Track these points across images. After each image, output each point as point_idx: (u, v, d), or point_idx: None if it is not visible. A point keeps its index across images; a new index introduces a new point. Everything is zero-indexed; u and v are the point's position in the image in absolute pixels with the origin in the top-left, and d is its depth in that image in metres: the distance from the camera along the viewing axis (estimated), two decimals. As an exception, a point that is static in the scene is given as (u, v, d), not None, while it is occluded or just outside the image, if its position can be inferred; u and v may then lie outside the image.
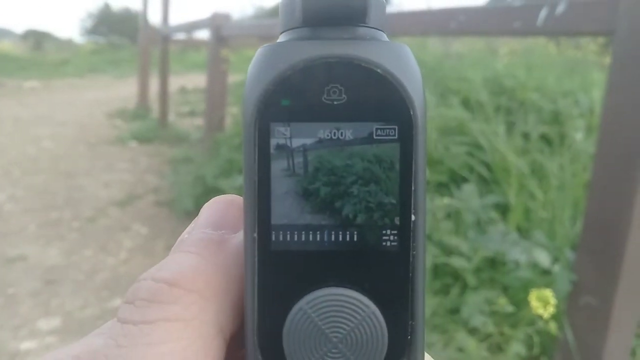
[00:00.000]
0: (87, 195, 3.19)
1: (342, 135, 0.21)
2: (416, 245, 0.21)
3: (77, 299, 1.96)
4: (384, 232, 0.21)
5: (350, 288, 0.21)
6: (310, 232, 0.21)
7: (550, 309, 0.98)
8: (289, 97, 0.21)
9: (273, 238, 0.21)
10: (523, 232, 1.66)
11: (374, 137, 0.21)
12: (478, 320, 1.24)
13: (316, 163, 0.21)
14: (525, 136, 2.05)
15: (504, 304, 1.13)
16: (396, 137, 0.21)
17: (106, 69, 12.72)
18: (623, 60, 1.15)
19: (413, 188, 0.21)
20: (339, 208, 0.21)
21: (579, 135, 2.07)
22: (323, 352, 0.21)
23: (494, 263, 1.48)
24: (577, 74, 2.99)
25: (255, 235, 0.21)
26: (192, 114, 6.09)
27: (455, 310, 1.36)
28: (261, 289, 0.21)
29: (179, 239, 0.23)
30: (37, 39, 22.86)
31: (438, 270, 1.46)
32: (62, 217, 2.81)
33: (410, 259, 0.21)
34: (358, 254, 0.21)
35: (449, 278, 1.46)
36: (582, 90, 2.53)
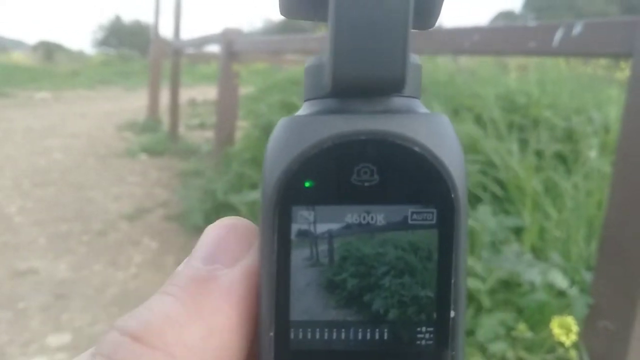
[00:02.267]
0: (97, 209, 3.20)
1: (372, 220, 0.18)
2: (455, 345, 0.19)
3: (87, 314, 1.96)
4: (419, 329, 0.19)
5: None
6: (335, 330, 0.19)
7: (573, 337, 0.96)
8: (314, 178, 0.18)
9: (292, 336, 0.19)
10: (537, 252, 1.64)
11: (409, 222, 0.18)
12: (497, 347, 1.22)
13: (343, 251, 0.18)
14: (539, 154, 2.03)
15: (523, 331, 1.11)
16: (434, 222, 0.18)
17: (117, 81, 12.84)
18: (641, 82, 1.14)
19: (453, 280, 0.18)
20: (368, 302, 0.19)
21: (593, 153, 2.06)
22: None
23: (508, 284, 1.46)
24: (588, 90, 2.97)
25: (272, 334, 0.18)
26: (202, 126, 6.12)
27: (470, 333, 1.34)
28: None
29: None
30: (48, 50, 23.12)
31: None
32: (72, 230, 2.81)
33: None
34: (389, 354, 0.19)
35: (463, 299, 1.44)
36: (595, 107, 2.52)
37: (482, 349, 1.27)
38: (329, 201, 0.18)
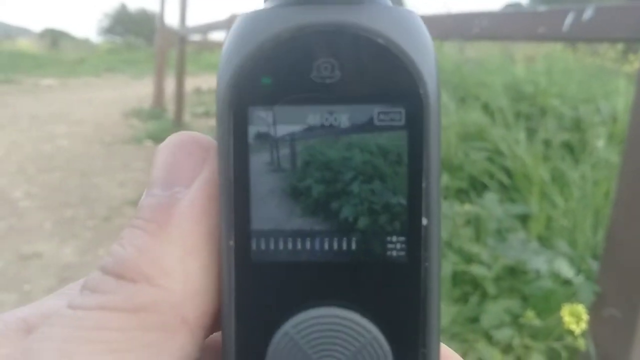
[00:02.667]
0: (102, 194, 3.20)
1: (336, 121, 0.17)
2: (429, 256, 0.17)
3: (92, 297, 1.97)
4: (389, 239, 0.17)
5: (348, 308, 0.17)
6: (300, 240, 0.17)
7: (583, 325, 0.95)
8: (271, 75, 0.17)
9: (254, 247, 0.17)
10: (544, 241, 1.63)
11: (376, 123, 0.17)
12: (504, 334, 1.22)
13: (306, 156, 0.17)
14: (546, 143, 2.02)
15: (531, 318, 1.10)
16: (403, 122, 0.17)
17: (122, 69, 12.83)
18: (653, 68, 1.12)
19: (424, 185, 0.17)
20: (336, 210, 0.17)
21: (600, 143, 2.04)
22: None
23: (514, 272, 1.45)
24: (596, 81, 2.95)
25: (232, 243, 0.17)
26: (206, 114, 6.12)
27: (474, 319, 1.34)
28: (240, 308, 0.17)
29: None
30: (54, 37, 23.15)
31: (457, 278, 1.44)
32: (77, 216, 2.82)
33: (422, 273, 0.17)
34: (358, 266, 0.17)
35: (469, 286, 1.44)
36: (603, 97, 2.50)
37: (487, 336, 1.26)
38: (289, 101, 0.17)
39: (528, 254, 1.42)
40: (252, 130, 0.17)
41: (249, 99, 0.17)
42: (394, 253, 0.17)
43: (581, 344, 1.05)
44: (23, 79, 9.71)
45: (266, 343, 0.17)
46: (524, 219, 1.71)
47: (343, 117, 0.17)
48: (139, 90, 8.56)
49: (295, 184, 0.17)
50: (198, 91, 7.86)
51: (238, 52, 0.17)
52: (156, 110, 6.26)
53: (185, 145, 0.19)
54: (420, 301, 0.17)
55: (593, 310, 1.21)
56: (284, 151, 0.17)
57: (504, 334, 1.22)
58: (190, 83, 6.49)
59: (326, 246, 0.17)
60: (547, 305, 1.34)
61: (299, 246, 0.17)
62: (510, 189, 1.86)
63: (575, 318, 1.00)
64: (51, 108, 6.45)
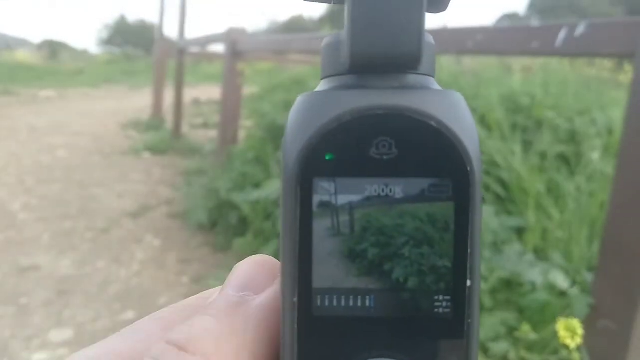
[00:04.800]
0: (100, 206, 3.21)
1: (391, 192, 0.19)
2: (471, 313, 0.19)
3: (89, 310, 1.96)
4: (437, 298, 0.19)
5: (399, 358, 0.19)
6: (356, 297, 0.19)
7: (578, 340, 0.96)
8: (335, 151, 0.19)
9: (315, 303, 0.19)
10: (539, 252, 1.64)
11: (427, 194, 0.19)
12: (500, 347, 1.22)
13: (364, 222, 0.19)
14: (542, 155, 2.03)
15: (527, 332, 1.11)
16: (451, 194, 0.19)
17: (121, 80, 12.87)
18: (644, 83, 1.14)
19: (469, 251, 0.19)
20: (389, 271, 0.19)
21: (595, 155, 2.06)
22: None
23: (509, 284, 1.46)
24: (592, 92, 2.97)
25: (296, 300, 0.19)
26: (205, 125, 6.13)
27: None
28: (301, 358, 0.19)
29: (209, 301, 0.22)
30: (53, 48, 23.20)
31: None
32: (76, 227, 2.82)
33: (465, 328, 0.19)
34: (408, 321, 0.19)
35: (465, 298, 1.45)
36: (598, 109, 2.51)
37: (484, 349, 1.27)
38: (349, 173, 0.19)
39: (524, 266, 1.43)
40: (316, 199, 0.19)
41: (314, 172, 0.19)
42: (441, 310, 0.19)
43: (576, 357, 1.06)
44: (21, 91, 9.73)
45: None
46: (519, 231, 1.72)
47: (397, 188, 0.19)
48: (137, 101, 8.59)
49: (353, 247, 0.19)
50: (197, 102, 7.89)
51: (304, 132, 0.19)
52: (155, 121, 6.28)
53: (261, 263, 0.23)
54: (464, 352, 0.19)
55: (588, 322, 1.22)
56: (344, 218, 0.19)
57: (500, 347, 1.23)
58: (188, 94, 6.51)
59: (380, 303, 0.19)
60: (543, 317, 1.35)
61: (355, 303, 0.19)
62: (506, 201, 1.87)
63: (570, 333, 1.00)
64: (50, 119, 6.47)
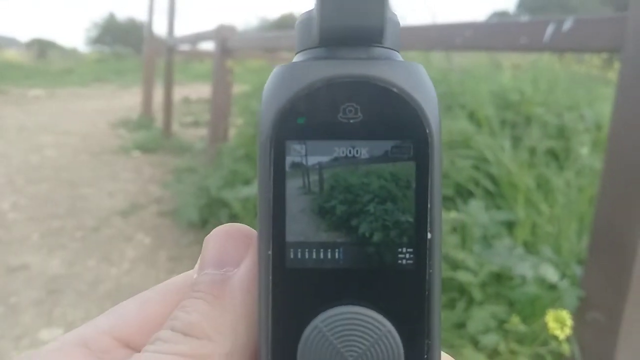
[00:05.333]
0: (90, 205, 3.19)
1: (357, 154, 0.21)
2: (432, 264, 0.21)
3: (79, 309, 1.95)
4: (400, 250, 0.21)
5: (366, 306, 0.21)
6: (326, 250, 0.21)
7: (567, 331, 0.97)
8: (305, 115, 0.21)
9: (288, 256, 0.21)
10: (529, 247, 1.65)
11: (390, 155, 0.21)
12: (490, 340, 1.23)
13: (332, 181, 0.21)
14: (531, 150, 2.04)
15: (516, 323, 1.12)
16: (412, 155, 0.21)
17: (110, 79, 12.79)
18: (631, 77, 1.15)
19: (429, 206, 0.21)
20: (355, 226, 0.21)
21: (584, 150, 2.07)
22: None
23: (500, 278, 1.47)
24: (581, 89, 2.99)
25: (270, 252, 0.21)
26: (195, 124, 6.11)
27: (461, 325, 1.35)
28: (275, 307, 0.21)
29: (193, 280, 0.24)
30: (41, 47, 23.02)
31: (444, 285, 1.45)
32: (65, 226, 2.81)
33: (427, 277, 0.21)
34: (374, 272, 0.21)
35: (455, 292, 1.45)
36: (587, 105, 2.53)
37: (474, 341, 1.28)
38: (319, 136, 0.21)
39: (513, 260, 1.43)
40: (289, 160, 0.21)
41: (287, 135, 0.21)
42: (404, 261, 0.21)
43: (565, 348, 1.07)
44: (10, 90, 9.64)
45: (298, 336, 0.21)
46: (509, 225, 1.73)
47: (363, 150, 0.21)
48: (127, 100, 8.54)
49: (322, 204, 0.21)
50: (186, 101, 7.86)
51: (278, 98, 0.21)
52: (145, 120, 6.25)
53: (232, 234, 0.24)
54: (425, 300, 0.21)
55: (577, 314, 1.23)
56: (314, 177, 0.21)
57: (490, 339, 1.24)
58: (178, 93, 6.48)
59: (348, 256, 0.21)
60: (533, 310, 1.35)
61: (325, 255, 0.21)
62: (496, 196, 1.88)
63: (559, 324, 1.02)
64: (39, 119, 6.42)
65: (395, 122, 0.21)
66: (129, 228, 2.82)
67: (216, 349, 0.21)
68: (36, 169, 4.00)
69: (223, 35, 3.50)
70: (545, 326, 1.09)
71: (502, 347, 1.22)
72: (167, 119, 5.46)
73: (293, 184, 0.21)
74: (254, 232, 0.24)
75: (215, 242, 0.24)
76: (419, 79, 0.21)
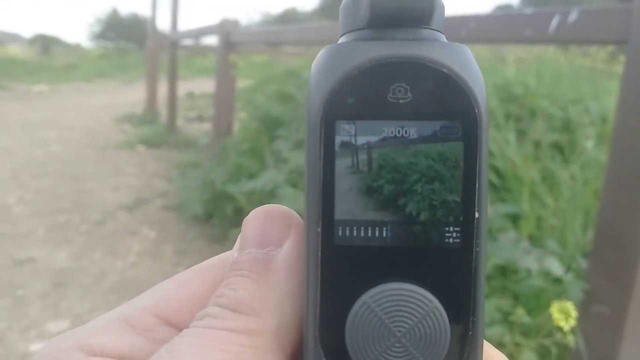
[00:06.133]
0: (95, 199, 3.20)
1: (406, 134, 0.21)
2: (479, 242, 0.21)
3: (85, 302, 1.97)
4: (447, 229, 0.21)
5: (413, 283, 0.21)
6: (374, 228, 0.21)
7: (572, 322, 0.97)
8: (355, 96, 0.21)
9: (337, 233, 0.21)
10: (534, 240, 1.65)
11: (439, 135, 0.21)
12: (495, 331, 1.23)
13: (380, 161, 0.21)
14: (536, 144, 2.04)
15: (521, 315, 1.12)
16: (460, 135, 0.21)
17: (114, 74, 12.80)
18: (636, 70, 1.14)
19: (477, 186, 0.21)
20: (403, 205, 0.21)
21: (589, 144, 2.07)
22: (386, 346, 0.21)
23: (505, 271, 1.47)
24: (587, 82, 2.98)
25: (319, 230, 0.21)
26: (199, 119, 6.12)
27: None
28: (324, 282, 0.21)
29: (233, 259, 0.24)
30: (45, 43, 23.04)
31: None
32: (71, 221, 2.82)
33: (473, 256, 0.21)
34: (421, 250, 0.21)
35: (460, 285, 1.45)
36: (592, 98, 2.52)
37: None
38: (368, 116, 0.21)
39: (519, 253, 1.43)
40: (338, 139, 0.21)
41: (337, 115, 0.21)
42: (451, 240, 0.21)
43: (570, 340, 1.07)
44: (14, 86, 9.67)
45: (346, 311, 0.21)
46: (514, 218, 1.73)
47: (412, 130, 0.21)
48: (131, 95, 8.55)
49: (370, 183, 0.21)
50: (191, 95, 7.86)
51: (328, 78, 0.21)
52: (149, 115, 6.26)
53: (272, 214, 0.24)
54: (472, 278, 0.21)
55: (582, 307, 1.23)
56: (363, 157, 0.21)
57: (494, 331, 1.24)
58: (182, 87, 6.49)
59: (395, 234, 0.21)
60: (538, 303, 1.36)
61: (373, 233, 0.21)
62: (501, 189, 1.87)
63: (564, 315, 1.02)
64: (43, 114, 6.43)
65: (445, 102, 0.21)
66: (134, 222, 2.83)
67: (265, 326, 0.22)
68: (41, 164, 4.01)
69: (226, 30, 3.50)
70: (550, 318, 1.09)
71: (507, 339, 1.22)
72: (171, 114, 5.46)
73: (342, 163, 0.21)
74: (294, 213, 0.24)
75: (256, 223, 0.24)
76: (467, 60, 0.21)
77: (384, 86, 0.21)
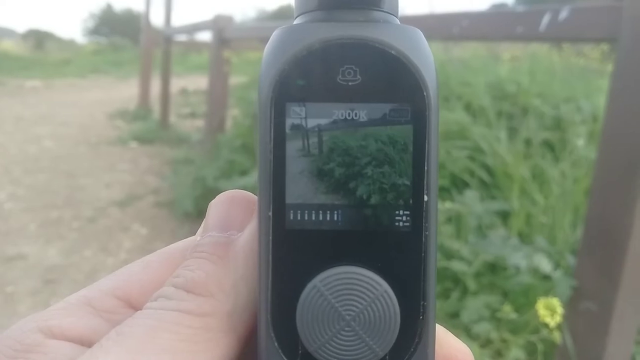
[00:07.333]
0: (87, 195, 3.19)
1: (356, 116, 0.21)
2: (428, 226, 0.21)
3: (76, 298, 1.96)
4: (397, 212, 0.21)
5: (363, 267, 0.21)
6: (325, 212, 0.21)
7: (557, 318, 0.98)
8: (305, 78, 0.21)
9: (287, 217, 0.21)
10: (524, 237, 1.66)
11: (388, 118, 0.21)
12: (482, 328, 1.24)
13: (331, 143, 0.21)
14: (527, 142, 2.05)
15: (508, 312, 1.13)
16: (409, 118, 0.21)
17: (108, 70, 12.74)
18: (625, 67, 1.15)
19: (426, 169, 0.21)
20: (353, 188, 0.21)
21: (580, 142, 2.07)
22: (336, 330, 0.21)
23: (494, 268, 1.48)
24: (579, 81, 2.99)
25: (270, 214, 0.21)
26: (192, 115, 6.10)
27: (455, 315, 1.36)
28: (275, 266, 0.21)
29: (195, 242, 0.24)
30: (38, 38, 22.89)
31: (438, 274, 1.46)
32: (62, 217, 2.81)
33: (423, 239, 0.21)
34: (371, 233, 0.21)
35: (449, 282, 1.46)
36: (584, 97, 2.53)
37: (467, 330, 1.29)
38: (318, 98, 0.21)
39: (508, 250, 1.44)
40: (289, 122, 0.21)
41: (287, 97, 0.21)
42: (401, 224, 0.21)
43: (556, 336, 1.08)
44: (7, 81, 9.60)
45: (297, 295, 0.21)
46: (504, 215, 1.73)
47: (361, 113, 0.21)
48: (124, 91, 8.51)
49: (321, 166, 0.21)
50: (184, 92, 7.83)
51: (278, 59, 0.21)
52: (142, 111, 6.23)
53: (236, 199, 0.25)
54: (422, 262, 0.21)
55: (570, 304, 1.24)
56: (313, 139, 0.21)
57: (482, 328, 1.24)
58: (176, 84, 6.47)
59: (346, 217, 0.21)
60: (526, 300, 1.36)
61: (324, 217, 0.21)
62: (491, 187, 1.88)
63: (550, 311, 1.02)
64: (36, 110, 6.40)
65: (394, 85, 0.21)
66: (125, 218, 2.82)
67: (218, 307, 0.21)
68: (33, 159, 3.99)
69: (220, 25, 3.49)
70: (537, 315, 1.09)
71: (494, 335, 1.23)
72: (164, 110, 5.45)
73: (293, 146, 0.21)
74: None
75: (220, 207, 0.25)
76: (417, 43, 0.21)
77: (333, 68, 0.21)
